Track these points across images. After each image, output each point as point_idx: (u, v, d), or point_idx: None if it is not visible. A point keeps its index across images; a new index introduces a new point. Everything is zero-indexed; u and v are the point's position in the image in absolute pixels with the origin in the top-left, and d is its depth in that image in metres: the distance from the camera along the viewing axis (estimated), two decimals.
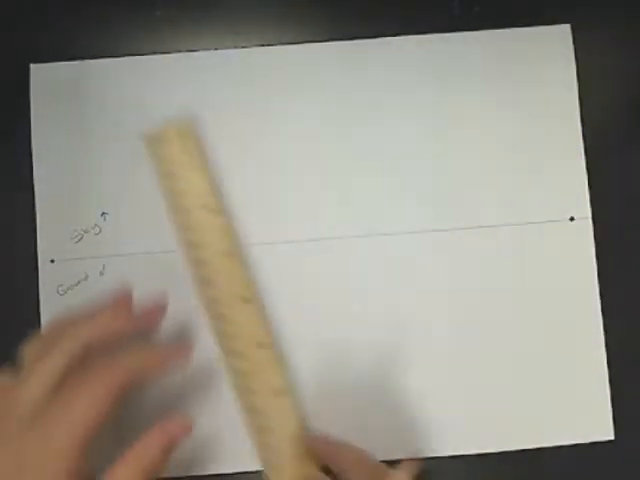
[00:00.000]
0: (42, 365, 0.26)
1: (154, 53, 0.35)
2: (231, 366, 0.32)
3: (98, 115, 0.34)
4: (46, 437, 0.25)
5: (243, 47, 0.35)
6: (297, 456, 0.31)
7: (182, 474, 0.33)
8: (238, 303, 0.31)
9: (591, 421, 0.33)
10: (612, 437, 0.33)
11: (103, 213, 0.34)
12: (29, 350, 0.28)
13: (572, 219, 0.34)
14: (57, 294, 0.34)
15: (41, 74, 0.34)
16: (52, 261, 0.34)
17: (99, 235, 0.34)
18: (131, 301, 0.30)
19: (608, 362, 0.33)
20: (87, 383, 0.26)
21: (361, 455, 0.30)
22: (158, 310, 0.31)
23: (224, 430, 0.33)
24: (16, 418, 0.25)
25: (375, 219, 0.34)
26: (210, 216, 0.32)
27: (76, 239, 0.34)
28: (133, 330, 0.29)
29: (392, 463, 0.33)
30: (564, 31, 0.35)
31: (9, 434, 0.25)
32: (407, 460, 0.28)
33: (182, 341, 0.31)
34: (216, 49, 0.35)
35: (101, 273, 0.34)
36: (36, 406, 0.25)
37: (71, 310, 0.29)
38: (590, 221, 0.34)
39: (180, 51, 0.35)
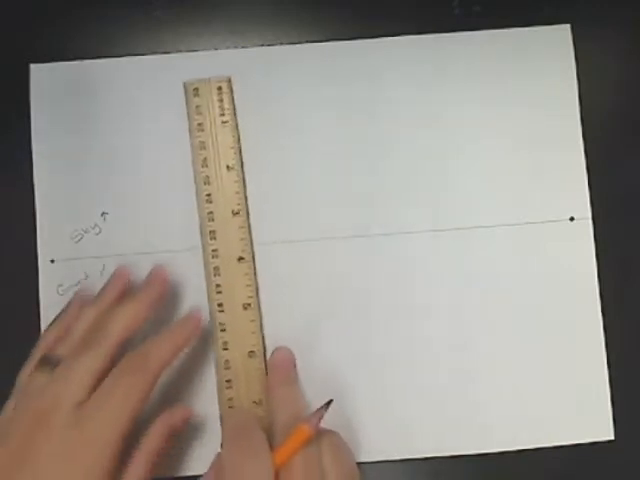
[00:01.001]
0: (82, 365, 0.27)
1: (154, 53, 0.35)
2: (214, 320, 0.33)
3: (98, 115, 0.34)
4: (90, 432, 0.26)
5: (243, 47, 0.35)
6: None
7: (181, 474, 0.33)
8: (233, 261, 0.33)
9: (591, 421, 0.33)
10: (612, 437, 0.33)
11: (103, 213, 0.34)
12: (49, 336, 0.30)
13: (572, 219, 0.34)
14: (57, 294, 0.34)
15: (41, 74, 0.34)
16: (52, 261, 0.34)
17: (99, 235, 0.34)
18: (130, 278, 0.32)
19: (608, 362, 0.33)
20: (124, 380, 0.28)
21: (290, 394, 0.31)
22: (164, 279, 0.32)
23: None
24: (60, 415, 0.26)
25: (374, 219, 0.34)
26: (227, 173, 0.33)
27: (76, 239, 0.34)
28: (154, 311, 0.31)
29: (391, 464, 0.33)
30: (564, 31, 0.35)
31: (54, 431, 0.26)
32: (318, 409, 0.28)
33: (189, 314, 0.31)
34: (216, 49, 0.35)
35: (101, 273, 0.34)
36: (78, 403, 0.27)
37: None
38: (590, 221, 0.34)
39: (180, 51, 0.35)
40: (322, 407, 0.28)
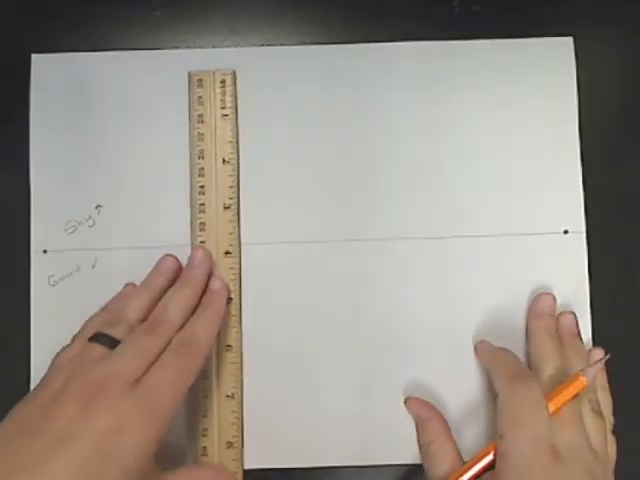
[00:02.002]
0: (145, 346, 0.28)
1: None
2: None
3: (97, 107, 0.34)
4: (146, 406, 0.26)
5: (242, 47, 0.35)
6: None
7: None
8: (219, 254, 0.33)
9: None
10: None
11: (97, 206, 0.34)
12: (97, 319, 0.31)
13: (566, 232, 0.34)
14: (48, 284, 0.34)
15: (42, 64, 0.35)
16: (44, 251, 0.34)
17: (93, 227, 0.34)
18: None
19: None
20: (177, 362, 0.28)
21: (557, 347, 0.31)
22: (207, 261, 0.33)
23: None
24: (118, 387, 0.26)
25: (368, 223, 0.34)
26: (223, 167, 0.33)
27: (69, 230, 0.34)
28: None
29: (390, 468, 0.33)
30: (566, 44, 0.35)
31: (113, 401, 0.26)
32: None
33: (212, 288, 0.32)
34: (215, 48, 0.35)
35: (93, 265, 0.34)
36: (135, 380, 0.27)
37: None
38: (584, 235, 0.34)
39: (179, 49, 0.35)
40: (598, 361, 0.30)
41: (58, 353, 0.29)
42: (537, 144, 0.34)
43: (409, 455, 0.33)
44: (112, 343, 0.28)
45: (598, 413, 0.30)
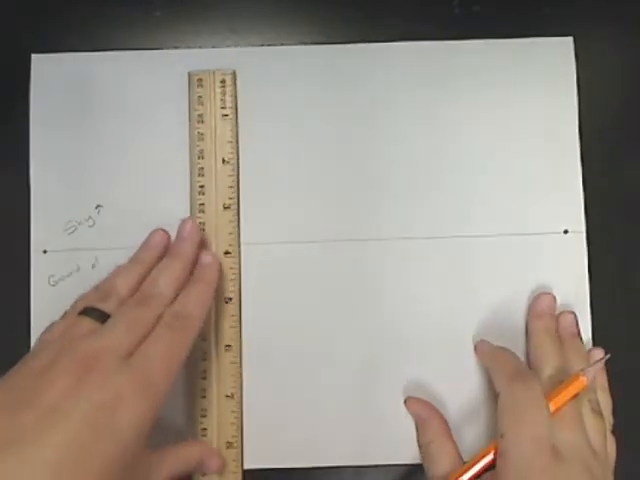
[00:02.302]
0: (138, 319, 0.28)
1: None
2: None
3: (97, 107, 0.34)
4: (139, 381, 0.26)
5: (243, 47, 0.35)
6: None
7: None
8: (219, 254, 0.33)
9: None
10: None
11: (97, 206, 0.34)
12: (89, 295, 0.30)
13: (566, 232, 0.34)
14: (48, 284, 0.34)
15: (42, 64, 0.35)
16: (45, 251, 0.34)
17: (93, 227, 0.34)
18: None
19: None
20: (170, 336, 0.28)
21: (558, 347, 0.32)
22: (197, 232, 0.33)
23: None
24: (110, 362, 0.26)
25: (369, 224, 0.34)
26: (223, 167, 0.34)
27: (69, 230, 0.34)
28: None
29: (390, 468, 0.33)
30: (566, 44, 0.35)
31: (106, 375, 0.25)
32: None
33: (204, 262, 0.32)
34: (214, 47, 0.35)
35: (93, 265, 0.34)
36: (128, 354, 0.26)
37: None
38: (584, 235, 0.34)
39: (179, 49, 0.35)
40: (598, 361, 0.30)
41: (47, 328, 0.29)
42: (537, 144, 0.34)
43: (409, 455, 0.33)
44: (102, 317, 0.28)
45: (598, 413, 0.30)
